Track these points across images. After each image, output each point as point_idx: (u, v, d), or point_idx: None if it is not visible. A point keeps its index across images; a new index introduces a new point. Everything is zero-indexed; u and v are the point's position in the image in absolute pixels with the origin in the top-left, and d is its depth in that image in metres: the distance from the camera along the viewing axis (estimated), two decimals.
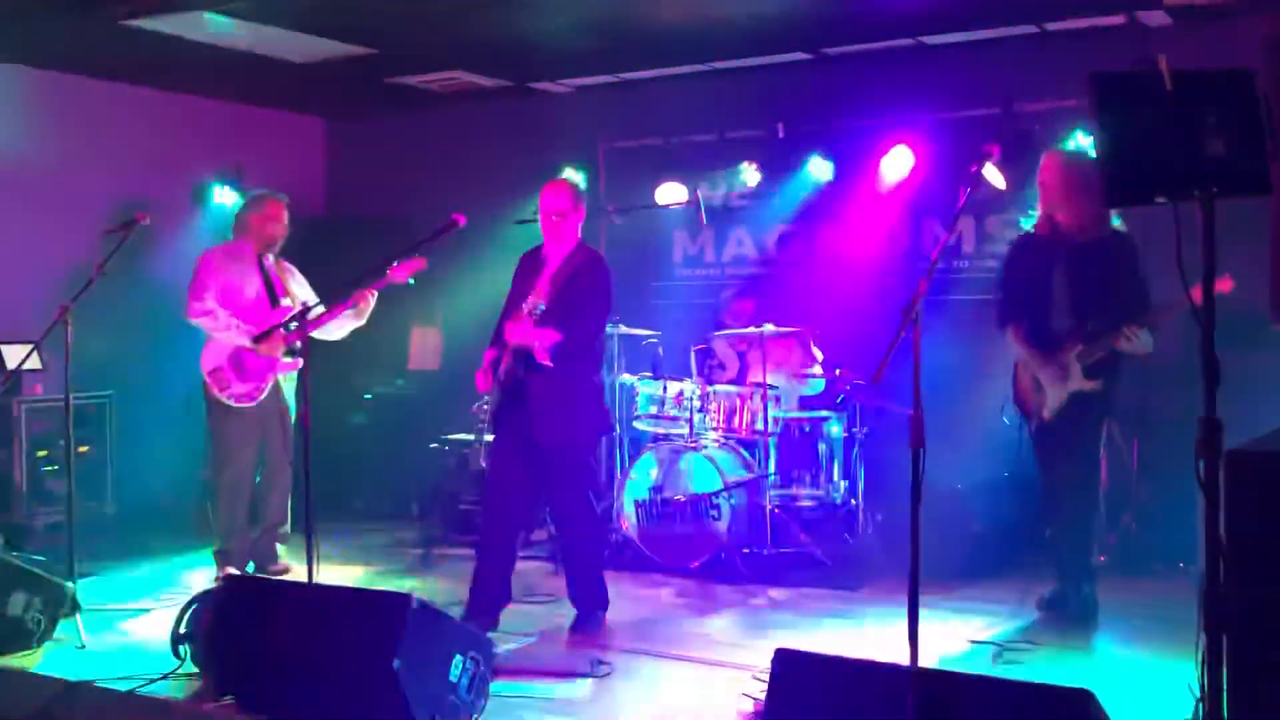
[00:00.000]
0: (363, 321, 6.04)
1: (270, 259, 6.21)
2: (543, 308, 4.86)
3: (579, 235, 5.25)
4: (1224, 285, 4.57)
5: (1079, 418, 5.20)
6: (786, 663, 3.23)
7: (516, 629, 5.09)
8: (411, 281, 5.58)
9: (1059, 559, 5.35)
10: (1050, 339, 5.23)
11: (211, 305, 5.99)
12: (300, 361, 6.09)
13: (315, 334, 5.80)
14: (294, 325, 5.74)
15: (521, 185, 7.75)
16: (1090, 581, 5.22)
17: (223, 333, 5.99)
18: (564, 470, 5.14)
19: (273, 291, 6.15)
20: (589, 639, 5.08)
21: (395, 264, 5.44)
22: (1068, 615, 5.16)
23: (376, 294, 5.87)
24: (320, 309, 5.50)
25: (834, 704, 3.15)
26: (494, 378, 5.10)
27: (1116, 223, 5.19)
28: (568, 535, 5.39)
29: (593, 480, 5.36)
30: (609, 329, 6.94)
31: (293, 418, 6.20)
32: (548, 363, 4.90)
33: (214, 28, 6.45)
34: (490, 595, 5.17)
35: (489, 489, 5.33)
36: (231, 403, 6.04)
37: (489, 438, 5.45)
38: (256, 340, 5.84)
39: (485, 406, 5.43)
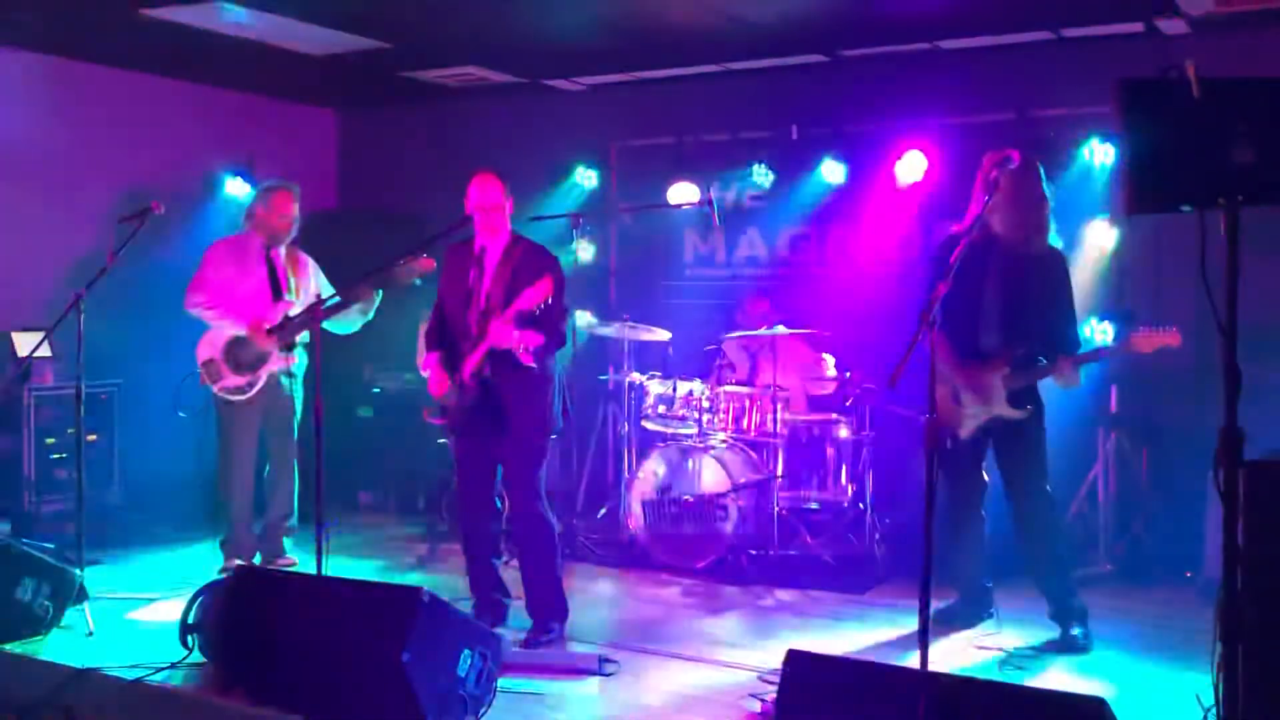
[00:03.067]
0: (369, 316, 6.03)
1: (281, 250, 6.18)
2: (549, 302, 4.73)
3: (509, 225, 5.10)
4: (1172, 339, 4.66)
5: (1008, 445, 5.04)
6: (798, 663, 3.23)
7: (524, 626, 5.08)
8: (418, 281, 5.54)
9: (962, 575, 5.36)
10: (976, 354, 4.99)
11: (202, 299, 6.02)
12: (294, 357, 6.10)
13: (326, 326, 5.80)
14: (292, 321, 5.78)
15: (533, 182, 7.77)
16: (1074, 597, 5.05)
17: (218, 322, 6.01)
18: (524, 468, 4.99)
19: (276, 284, 6.13)
20: (544, 652, 4.87)
21: (402, 265, 5.40)
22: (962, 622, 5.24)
23: (380, 290, 5.84)
24: (333, 300, 5.52)
25: (845, 706, 3.15)
26: (449, 379, 4.98)
27: (1054, 240, 4.97)
28: (525, 536, 5.09)
29: (542, 479, 5.09)
30: (619, 328, 6.98)
31: (298, 412, 6.20)
32: (531, 364, 4.81)
33: (228, 17, 6.45)
34: (489, 593, 5.16)
35: (462, 492, 5.21)
36: (225, 395, 6.04)
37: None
38: (252, 329, 5.90)
39: (438, 412, 5.32)
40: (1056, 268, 4.99)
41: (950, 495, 5.25)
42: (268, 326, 5.93)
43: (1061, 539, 5.22)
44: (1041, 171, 5.00)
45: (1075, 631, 4.98)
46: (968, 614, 5.32)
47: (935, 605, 5.15)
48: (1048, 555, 5.08)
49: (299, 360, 6.17)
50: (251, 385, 6.01)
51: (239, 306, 6.01)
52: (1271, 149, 2.54)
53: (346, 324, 6.03)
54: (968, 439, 5.08)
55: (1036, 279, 4.94)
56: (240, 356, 6.01)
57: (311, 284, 6.23)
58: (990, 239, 4.91)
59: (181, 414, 6.53)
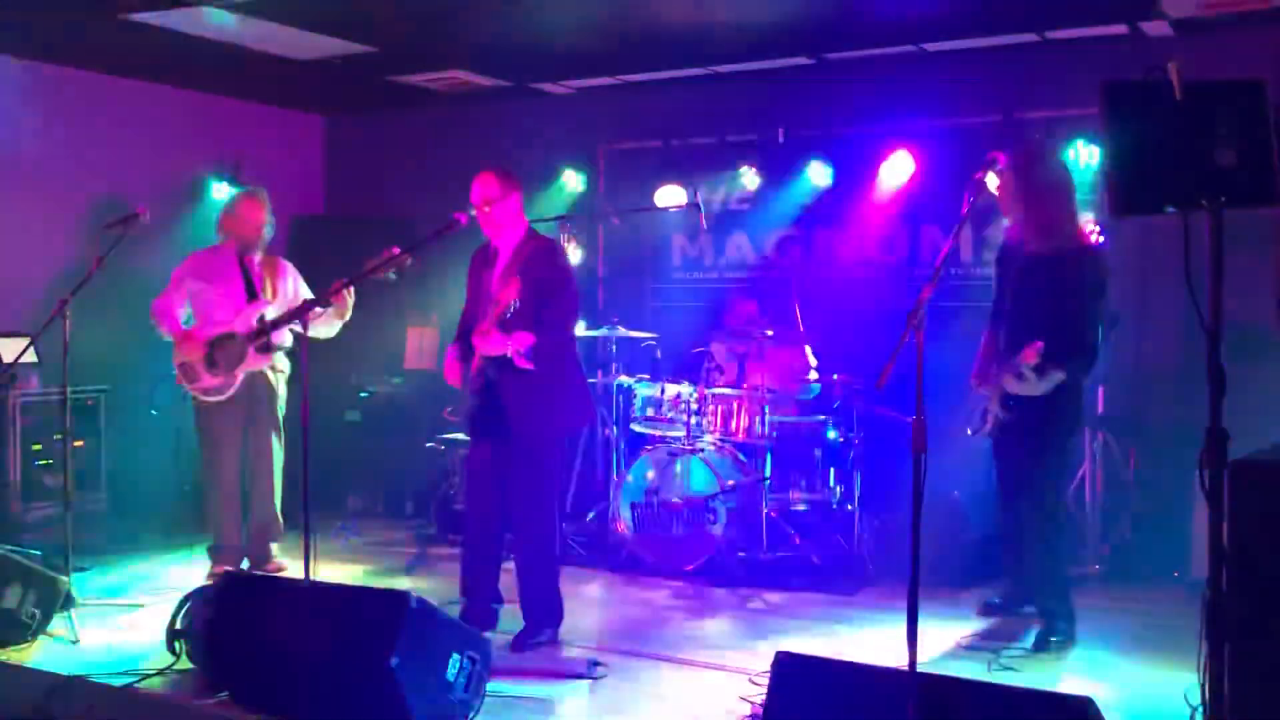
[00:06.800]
0: (346, 318, 6.00)
1: (256, 256, 6.18)
2: (516, 305, 4.73)
3: (525, 221, 5.11)
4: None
5: (1004, 441, 5.10)
6: (787, 665, 3.23)
7: (514, 629, 5.07)
8: (393, 276, 5.45)
9: (1009, 568, 5.40)
10: (1000, 354, 5.08)
11: (165, 328, 6.04)
12: (271, 357, 6.08)
13: (309, 332, 5.80)
14: (268, 322, 5.77)
15: (522, 186, 7.73)
16: (1059, 601, 5.03)
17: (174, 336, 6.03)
18: (531, 470, 4.99)
19: (251, 287, 6.12)
20: (533, 656, 4.87)
21: (373, 263, 5.36)
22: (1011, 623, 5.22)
23: (353, 291, 5.79)
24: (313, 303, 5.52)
25: (834, 708, 3.15)
26: (463, 375, 5.00)
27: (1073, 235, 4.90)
28: (526, 538, 5.07)
29: (558, 482, 5.15)
30: (607, 331, 6.99)
31: (281, 414, 6.18)
32: (528, 366, 4.79)
33: (214, 19, 6.43)
34: (482, 597, 5.14)
35: (469, 493, 5.22)
36: (203, 397, 6.02)
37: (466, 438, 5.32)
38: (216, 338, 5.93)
39: (454, 412, 5.34)
40: (1074, 267, 4.81)
41: (997, 488, 5.36)
42: (246, 330, 5.93)
43: (1050, 550, 5.03)
44: (1053, 163, 5.05)
45: (1054, 637, 4.97)
46: (1014, 602, 5.33)
47: (987, 598, 5.43)
48: (1033, 561, 5.09)
49: (282, 363, 6.16)
50: (228, 386, 5.98)
51: (212, 312, 6.00)
52: (1253, 151, 2.56)
53: (327, 329, 6.02)
54: (991, 433, 5.14)
55: (1046, 279, 4.85)
56: (216, 357, 5.99)
57: (291, 288, 6.22)
58: (1017, 241, 5.04)
59: (154, 411, 6.51)
